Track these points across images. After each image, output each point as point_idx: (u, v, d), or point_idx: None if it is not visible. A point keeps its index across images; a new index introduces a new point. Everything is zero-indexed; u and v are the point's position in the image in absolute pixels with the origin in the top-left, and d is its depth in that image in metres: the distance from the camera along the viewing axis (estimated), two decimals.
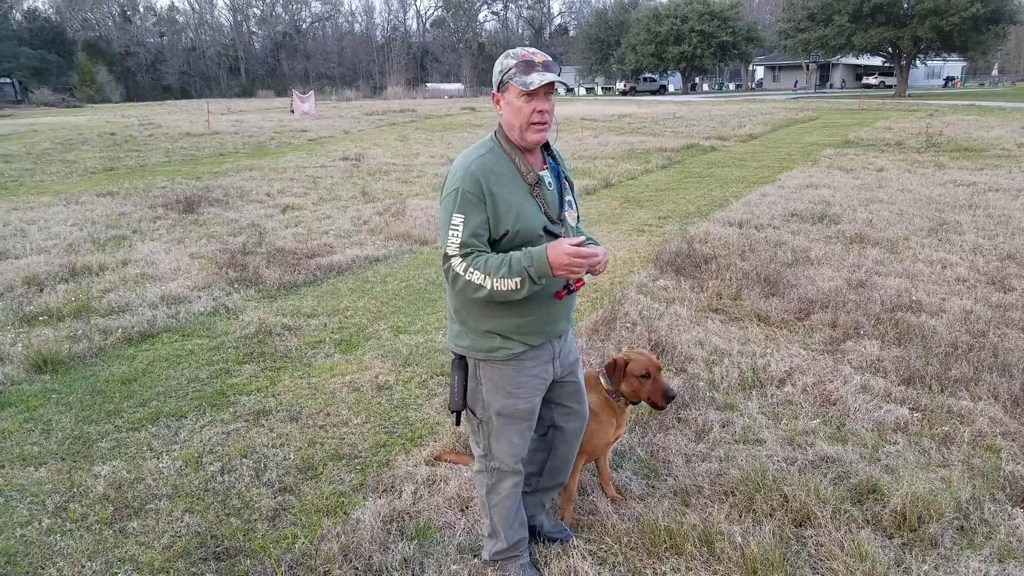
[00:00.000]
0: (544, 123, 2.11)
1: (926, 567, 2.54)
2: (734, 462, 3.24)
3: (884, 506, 2.86)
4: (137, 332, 5.06)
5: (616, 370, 2.71)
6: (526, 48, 2.13)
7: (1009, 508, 2.90)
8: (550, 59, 2.12)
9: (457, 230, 2.04)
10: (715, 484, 3.09)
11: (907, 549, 2.65)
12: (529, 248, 2.04)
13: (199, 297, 5.83)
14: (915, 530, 2.74)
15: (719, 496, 3.00)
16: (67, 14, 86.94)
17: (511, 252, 2.06)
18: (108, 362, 4.62)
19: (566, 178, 2.32)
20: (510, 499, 2.47)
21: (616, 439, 2.89)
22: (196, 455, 3.41)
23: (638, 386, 2.70)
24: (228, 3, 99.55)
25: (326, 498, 3.05)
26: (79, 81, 67.73)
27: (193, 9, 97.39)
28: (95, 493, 3.10)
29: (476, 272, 2.03)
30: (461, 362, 2.31)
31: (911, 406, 3.79)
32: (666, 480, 3.16)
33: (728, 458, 3.29)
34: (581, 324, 4.99)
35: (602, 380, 2.77)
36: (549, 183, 2.23)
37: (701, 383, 4.10)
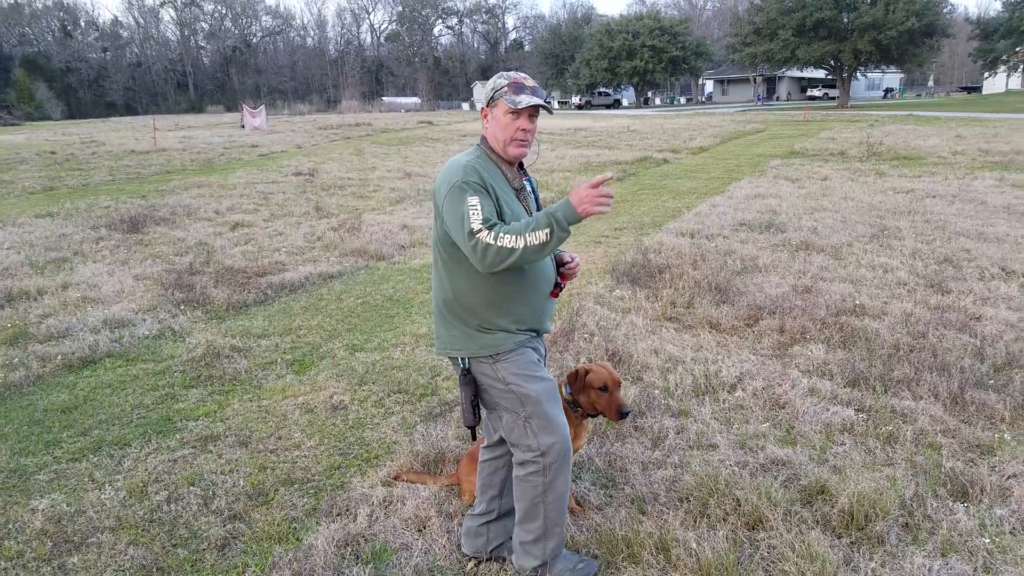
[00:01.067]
0: (525, 140, 2.34)
1: (873, 564, 2.60)
2: (688, 468, 3.28)
3: (833, 506, 2.93)
4: (78, 358, 4.88)
5: (577, 380, 2.76)
6: (519, 73, 2.36)
7: (951, 504, 3.00)
8: (539, 86, 2.36)
9: (476, 209, 2.17)
10: (671, 491, 3.12)
11: (855, 548, 2.72)
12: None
13: (144, 320, 5.65)
14: (862, 528, 2.81)
15: (674, 503, 3.03)
16: (3, 29, 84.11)
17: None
18: (47, 390, 4.44)
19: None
20: (565, 491, 2.48)
21: (575, 451, 2.90)
22: (141, 484, 3.29)
23: (595, 398, 2.74)
24: (175, 17, 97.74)
25: (277, 524, 2.97)
26: (17, 98, 65.50)
27: (138, 24, 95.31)
28: (32, 528, 2.97)
29: (506, 236, 2.12)
30: (467, 376, 2.38)
31: (856, 407, 3.89)
32: (623, 489, 3.17)
33: (683, 464, 3.33)
34: None
35: (562, 390, 2.79)
36: (530, 191, 2.47)
37: (656, 391, 4.14)
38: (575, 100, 67.89)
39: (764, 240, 7.92)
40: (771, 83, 67.84)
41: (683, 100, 77.12)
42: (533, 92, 2.30)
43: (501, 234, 2.12)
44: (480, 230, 2.13)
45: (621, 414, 2.71)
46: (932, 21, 42.33)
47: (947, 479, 3.17)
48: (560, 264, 2.56)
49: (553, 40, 75.88)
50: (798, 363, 4.51)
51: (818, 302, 5.60)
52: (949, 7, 44.63)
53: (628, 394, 4.06)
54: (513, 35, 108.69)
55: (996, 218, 8.93)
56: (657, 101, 75.34)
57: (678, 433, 3.66)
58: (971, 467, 3.27)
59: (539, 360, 2.49)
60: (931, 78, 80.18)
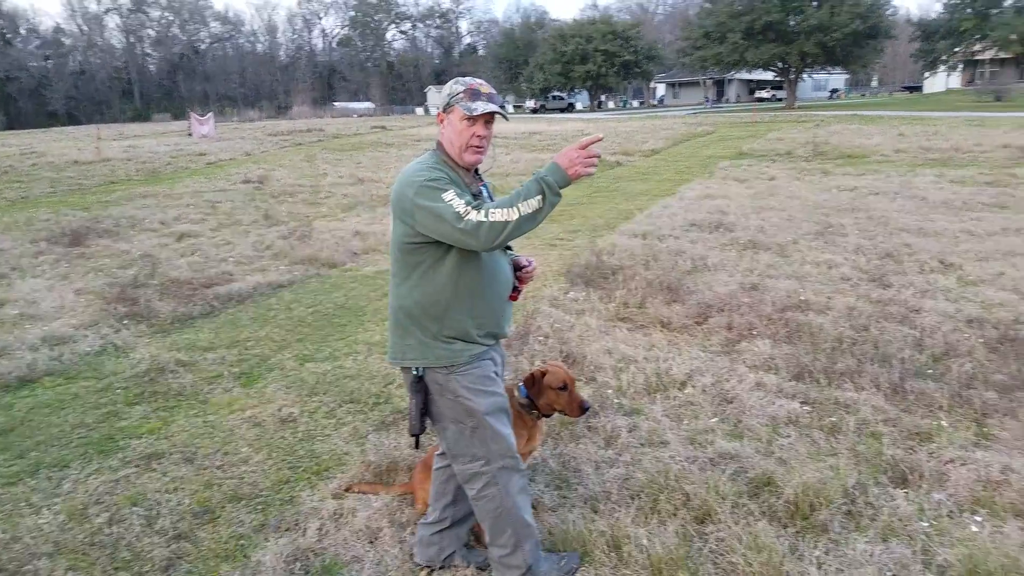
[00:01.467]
0: (481, 147, 2.31)
1: (818, 553, 2.67)
2: (640, 465, 3.31)
3: (779, 497, 2.99)
4: (15, 377, 4.69)
5: (535, 383, 2.78)
6: (476, 79, 2.32)
7: (891, 490, 3.09)
8: (495, 92, 2.33)
9: (454, 199, 2.14)
10: (623, 489, 3.15)
11: (801, 537, 2.78)
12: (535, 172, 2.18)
13: (85, 336, 5.46)
14: (807, 518, 2.88)
15: (626, 500, 3.05)
16: None
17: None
18: None
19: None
20: (523, 496, 2.48)
21: (530, 452, 2.91)
22: (81, 507, 3.18)
23: (554, 398, 2.78)
24: (120, 24, 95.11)
25: (224, 542, 2.90)
26: None
27: (81, 31, 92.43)
28: None
29: (497, 211, 2.10)
30: (419, 384, 2.35)
31: (801, 400, 3.99)
32: (577, 489, 3.19)
33: (635, 462, 3.36)
34: None
35: (516, 393, 2.81)
36: (487, 197, 2.43)
37: (609, 391, 4.18)
38: (529, 104, 68.22)
39: (713, 239, 8.06)
40: (720, 85, 69.19)
41: (636, 103, 78.09)
42: (489, 99, 2.28)
43: (490, 210, 2.10)
44: (468, 211, 2.12)
45: (583, 409, 2.77)
46: (875, 23, 43.66)
47: (888, 467, 3.27)
48: (517, 268, 2.57)
49: (507, 45, 76.18)
50: (745, 359, 4.60)
51: (765, 299, 5.72)
52: (892, 9, 46.14)
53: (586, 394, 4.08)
54: (467, 39, 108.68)
55: (935, 213, 9.25)
56: (611, 105, 76.14)
57: (630, 431, 3.69)
58: (910, 454, 3.38)
59: (495, 372, 2.47)
60: (875, 78, 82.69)
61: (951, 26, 40.99)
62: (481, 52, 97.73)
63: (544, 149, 21.42)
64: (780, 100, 57.39)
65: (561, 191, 2.12)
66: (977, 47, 41.28)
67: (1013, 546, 2.66)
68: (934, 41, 42.71)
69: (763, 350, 4.69)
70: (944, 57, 43.51)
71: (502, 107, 2.33)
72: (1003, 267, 6.55)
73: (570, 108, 65.08)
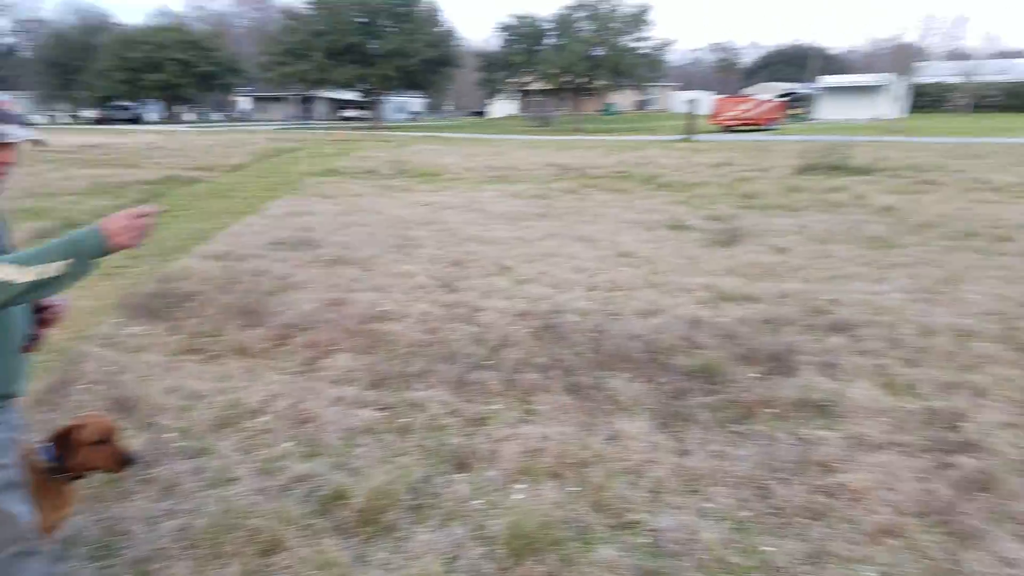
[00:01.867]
0: (3, 174, 1.87)
1: (383, 554, 2.73)
2: (202, 510, 2.98)
3: (349, 508, 2.99)
4: None
5: (65, 441, 2.31)
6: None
7: (452, 476, 3.34)
8: (24, 113, 1.92)
9: None
10: (180, 540, 2.79)
11: (369, 542, 2.81)
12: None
13: None
14: (376, 522, 2.92)
15: (183, 552, 2.71)
16: None
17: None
18: None
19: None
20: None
21: (59, 523, 2.37)
22: None
23: (91, 455, 2.33)
24: None
25: None
26: None
27: None
28: None
29: (2, 268, 1.69)
30: None
31: (380, 407, 4.09)
32: (123, 554, 2.73)
33: (197, 508, 3.02)
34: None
35: (37, 456, 2.28)
36: None
37: (172, 434, 3.71)
38: (92, 114, 59.39)
39: (299, 257, 7.93)
40: (308, 102, 69.72)
41: (219, 116, 73.88)
42: (22, 122, 1.85)
43: None
44: None
45: (126, 462, 2.39)
46: (445, 52, 48.93)
47: (451, 455, 3.53)
48: (38, 309, 2.07)
49: (59, 47, 64.77)
50: (327, 375, 4.57)
51: (348, 312, 5.80)
52: (458, 41, 52.23)
53: (134, 444, 3.54)
54: (7, 40, 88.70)
55: (495, 223, 10.59)
56: (191, 117, 70.59)
57: (195, 474, 3.32)
58: (469, 439, 3.71)
59: (5, 440, 1.96)
60: (450, 103, 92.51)
61: (507, 59, 48.15)
62: (26, 54, 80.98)
63: (108, 164, 18.70)
64: (366, 120, 60.31)
65: (96, 260, 1.79)
66: (528, 78, 49.26)
67: (548, 505, 3.08)
68: (493, 71, 49.55)
69: (344, 364, 4.71)
70: (501, 86, 50.90)
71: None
72: (545, 267, 7.76)
73: (138, 119, 58.62)
